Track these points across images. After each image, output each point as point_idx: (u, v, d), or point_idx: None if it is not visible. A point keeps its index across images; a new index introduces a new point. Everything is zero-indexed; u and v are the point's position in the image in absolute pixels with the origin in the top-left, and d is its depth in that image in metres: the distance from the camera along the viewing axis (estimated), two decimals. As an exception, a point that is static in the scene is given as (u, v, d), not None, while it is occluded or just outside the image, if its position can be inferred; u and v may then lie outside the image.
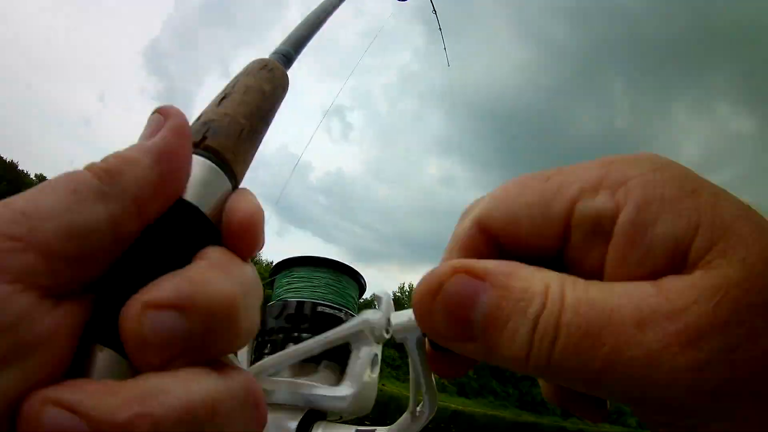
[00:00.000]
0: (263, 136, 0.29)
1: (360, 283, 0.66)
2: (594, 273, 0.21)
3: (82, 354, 0.19)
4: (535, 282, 0.20)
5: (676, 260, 0.19)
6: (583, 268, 0.21)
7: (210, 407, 0.19)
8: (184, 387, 0.19)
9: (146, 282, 0.19)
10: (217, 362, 0.21)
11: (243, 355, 0.58)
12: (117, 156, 0.21)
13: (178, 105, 0.23)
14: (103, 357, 0.19)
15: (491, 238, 0.23)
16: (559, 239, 0.21)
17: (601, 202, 0.20)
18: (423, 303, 0.22)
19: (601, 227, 0.20)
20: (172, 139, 0.22)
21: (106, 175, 0.20)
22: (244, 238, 0.23)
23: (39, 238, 0.18)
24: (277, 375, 0.53)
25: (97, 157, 0.21)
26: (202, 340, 0.20)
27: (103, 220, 0.19)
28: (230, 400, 0.20)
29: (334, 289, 0.62)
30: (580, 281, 0.20)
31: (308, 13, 0.47)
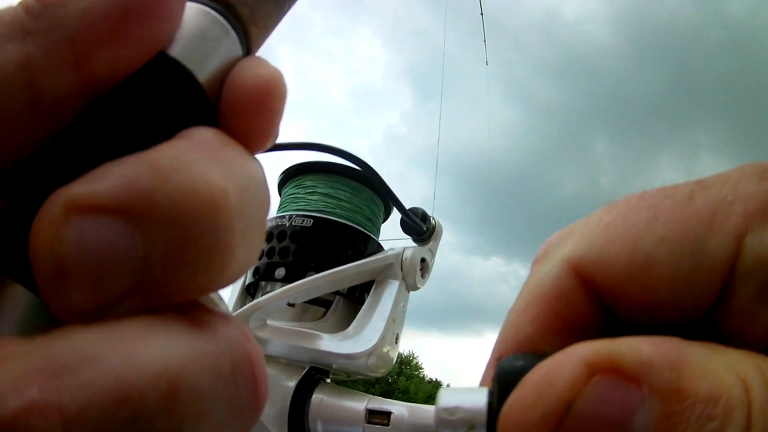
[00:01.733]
0: (289, 7, 0.23)
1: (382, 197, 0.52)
2: (760, 344, 0.15)
3: None
4: (724, 378, 0.13)
5: None
6: (746, 338, 0.15)
7: (171, 386, 0.12)
8: (128, 351, 0.12)
9: (85, 170, 0.14)
10: (189, 306, 0.15)
11: (227, 291, 0.45)
12: None
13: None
14: (4, 295, 0.14)
15: (594, 290, 0.17)
16: (713, 296, 0.16)
17: None
18: (532, 428, 0.14)
19: None
20: None
21: (38, 4, 0.15)
22: (253, 117, 0.17)
23: None
24: (273, 319, 0.41)
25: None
26: (167, 270, 0.13)
27: (13, 65, 0.14)
28: (208, 372, 0.13)
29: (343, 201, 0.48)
30: None
31: None
